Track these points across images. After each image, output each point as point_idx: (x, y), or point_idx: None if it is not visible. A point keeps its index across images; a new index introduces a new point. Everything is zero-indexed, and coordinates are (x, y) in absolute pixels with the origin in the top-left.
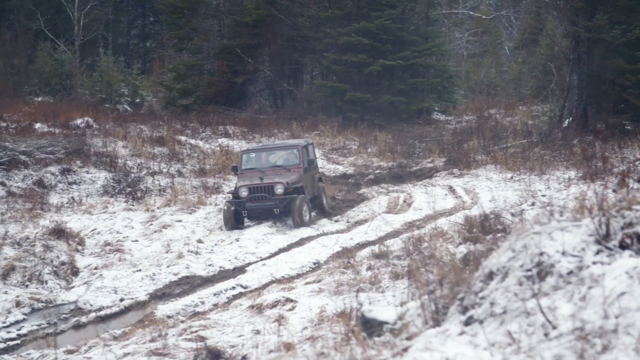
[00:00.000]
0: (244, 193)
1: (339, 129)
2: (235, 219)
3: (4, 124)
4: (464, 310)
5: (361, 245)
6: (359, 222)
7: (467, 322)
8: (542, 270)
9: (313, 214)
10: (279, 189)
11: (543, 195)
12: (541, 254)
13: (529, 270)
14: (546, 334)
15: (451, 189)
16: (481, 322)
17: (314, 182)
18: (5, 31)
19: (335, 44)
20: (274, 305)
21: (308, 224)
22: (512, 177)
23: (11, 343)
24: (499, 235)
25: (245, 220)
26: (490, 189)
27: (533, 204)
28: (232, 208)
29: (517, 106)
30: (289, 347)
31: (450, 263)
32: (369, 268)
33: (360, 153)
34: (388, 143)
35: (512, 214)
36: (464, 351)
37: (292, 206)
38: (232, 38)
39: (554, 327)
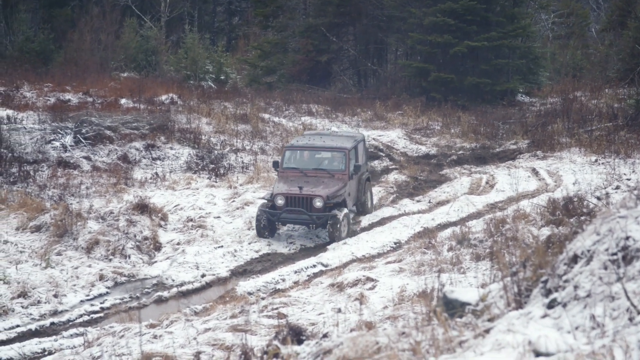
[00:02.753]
0: (280, 202)
1: (422, 109)
2: (268, 229)
3: (90, 99)
4: (547, 293)
5: (443, 226)
6: (441, 203)
7: (550, 305)
8: (627, 255)
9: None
10: (318, 203)
11: (628, 179)
12: (627, 238)
13: (614, 254)
14: (631, 319)
15: (534, 171)
16: (565, 305)
17: (359, 185)
18: (93, 7)
19: (421, 24)
20: (354, 284)
21: (344, 239)
22: (596, 160)
23: (95, 316)
24: (583, 218)
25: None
26: (574, 171)
27: (618, 187)
28: (265, 217)
29: (603, 89)
30: (369, 326)
31: (534, 245)
32: (450, 249)
33: (443, 134)
34: (471, 124)
35: (597, 198)
36: (547, 334)
37: (329, 223)
38: (318, 16)
39: None
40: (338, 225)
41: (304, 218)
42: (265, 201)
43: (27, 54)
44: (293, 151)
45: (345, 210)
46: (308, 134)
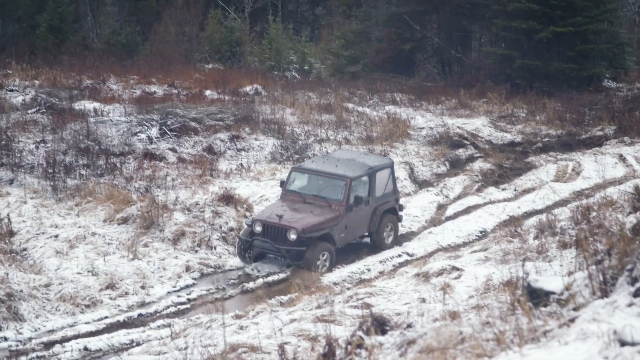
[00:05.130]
0: (257, 229)
1: (507, 96)
2: (243, 255)
3: (175, 91)
4: (633, 281)
5: (528, 214)
6: (527, 191)
7: (636, 294)
8: None
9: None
10: (292, 236)
11: None
12: None
13: None
14: None
15: (621, 158)
16: None
17: (373, 217)
18: None
19: (505, 11)
20: (439, 273)
21: (322, 273)
22: None
23: (181, 307)
24: None
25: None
26: None
27: None
28: (240, 243)
29: None
30: (454, 315)
31: (619, 233)
32: (536, 237)
33: (528, 121)
34: (557, 111)
35: None
36: (632, 323)
37: (304, 257)
38: (401, 5)
39: None
40: (311, 260)
41: (273, 251)
42: (247, 226)
43: (114, 47)
44: (298, 173)
45: (325, 247)
46: (325, 155)
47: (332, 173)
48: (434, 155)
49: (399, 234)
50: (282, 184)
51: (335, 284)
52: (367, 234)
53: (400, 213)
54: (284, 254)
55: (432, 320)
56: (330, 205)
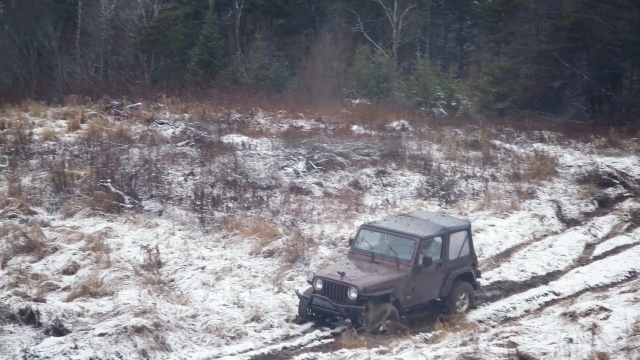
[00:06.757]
0: (318, 286)
1: None
2: (305, 314)
3: (322, 126)
4: None
5: None
6: None
7: None
8: None
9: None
10: (353, 295)
11: None
12: None
13: None
14: None
15: None
16: None
17: (445, 281)
18: (325, 34)
19: None
20: (587, 313)
21: (381, 335)
22: None
23: (325, 341)
24: None
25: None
26: None
27: None
28: (299, 301)
29: None
30: (603, 357)
31: None
32: None
33: None
34: None
35: None
36: None
37: (365, 317)
38: (550, 42)
39: None
40: (371, 324)
41: (331, 310)
42: (309, 283)
43: (262, 81)
44: (368, 231)
45: (388, 308)
46: (399, 214)
47: (402, 232)
48: (582, 194)
49: (548, 271)
50: (351, 241)
51: (480, 321)
52: (438, 299)
53: (477, 279)
54: (343, 313)
55: None
56: (397, 265)
